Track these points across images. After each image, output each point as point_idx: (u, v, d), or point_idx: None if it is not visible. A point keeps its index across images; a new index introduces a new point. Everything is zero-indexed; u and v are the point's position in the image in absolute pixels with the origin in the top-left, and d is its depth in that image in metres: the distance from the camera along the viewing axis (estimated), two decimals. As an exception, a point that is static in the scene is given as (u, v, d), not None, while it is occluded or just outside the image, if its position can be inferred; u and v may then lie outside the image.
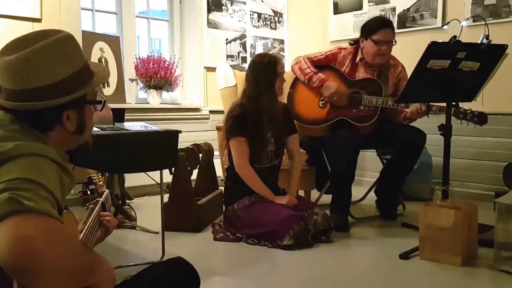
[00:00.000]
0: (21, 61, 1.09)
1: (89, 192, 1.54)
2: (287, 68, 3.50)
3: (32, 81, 1.10)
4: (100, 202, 1.47)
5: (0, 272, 0.86)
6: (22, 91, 1.11)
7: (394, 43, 3.33)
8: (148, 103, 4.56)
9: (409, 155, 3.30)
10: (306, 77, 3.39)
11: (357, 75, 3.40)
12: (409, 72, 2.59)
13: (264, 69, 2.95)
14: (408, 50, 4.12)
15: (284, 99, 3.36)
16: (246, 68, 3.18)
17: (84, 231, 1.25)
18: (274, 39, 5.51)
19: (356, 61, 3.41)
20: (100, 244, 1.46)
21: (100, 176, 1.57)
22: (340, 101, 3.30)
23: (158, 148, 2.43)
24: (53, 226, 0.90)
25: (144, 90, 4.59)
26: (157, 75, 4.44)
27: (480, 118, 2.87)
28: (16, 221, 0.86)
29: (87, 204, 1.46)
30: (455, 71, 2.59)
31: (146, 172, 2.99)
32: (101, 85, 3.74)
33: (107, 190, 1.56)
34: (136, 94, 4.63)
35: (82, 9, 4.07)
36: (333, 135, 3.27)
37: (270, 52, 5.16)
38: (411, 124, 3.32)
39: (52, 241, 0.88)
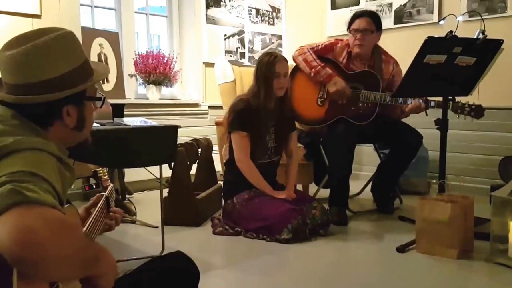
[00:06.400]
0: (23, 55, 1.11)
1: (94, 186, 1.54)
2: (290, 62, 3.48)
3: (33, 75, 1.12)
4: (105, 196, 1.46)
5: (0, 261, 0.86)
6: (24, 85, 1.12)
7: (371, 32, 3.32)
8: (147, 99, 4.57)
9: (405, 156, 3.35)
10: (313, 70, 3.33)
11: (353, 67, 3.40)
12: (405, 67, 2.60)
13: (262, 67, 2.97)
14: (404, 45, 4.14)
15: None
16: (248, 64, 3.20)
17: (87, 225, 1.25)
18: (272, 35, 5.52)
19: (350, 53, 3.42)
20: (99, 238, 1.44)
21: (105, 171, 1.57)
22: (342, 98, 3.30)
23: (158, 143, 2.44)
24: (56, 216, 0.90)
25: (143, 85, 4.61)
26: (156, 71, 4.45)
27: (477, 112, 2.90)
28: (19, 212, 0.85)
29: (91, 199, 1.46)
30: (451, 66, 2.61)
31: (146, 167, 3.00)
32: (101, 81, 3.75)
33: (111, 184, 1.54)
34: (135, 90, 4.65)
35: (81, 5, 4.08)
36: (330, 129, 3.30)
37: (270, 49, 5.19)
38: (409, 124, 3.35)
39: (55, 230, 0.87)
